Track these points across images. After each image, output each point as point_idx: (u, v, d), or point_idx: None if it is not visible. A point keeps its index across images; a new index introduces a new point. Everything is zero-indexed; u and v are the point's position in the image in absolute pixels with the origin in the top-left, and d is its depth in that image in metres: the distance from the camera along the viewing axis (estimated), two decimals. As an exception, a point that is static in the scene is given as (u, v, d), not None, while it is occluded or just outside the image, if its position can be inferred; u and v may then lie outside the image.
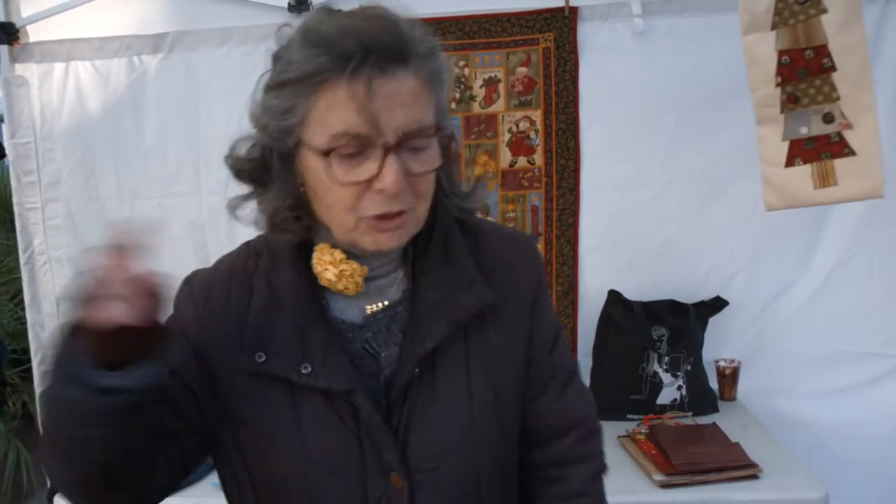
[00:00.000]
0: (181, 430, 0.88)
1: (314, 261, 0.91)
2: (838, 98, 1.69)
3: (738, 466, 1.80)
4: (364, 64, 0.77)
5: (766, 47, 1.72)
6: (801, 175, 1.74)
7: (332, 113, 0.79)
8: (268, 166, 0.88)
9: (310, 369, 0.88)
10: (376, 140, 0.80)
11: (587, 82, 2.25)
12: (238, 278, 0.94)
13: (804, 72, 1.69)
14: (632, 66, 2.22)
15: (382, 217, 0.84)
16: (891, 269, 2.23)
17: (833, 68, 1.68)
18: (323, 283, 0.91)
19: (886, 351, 2.26)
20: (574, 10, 2.20)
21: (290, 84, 0.80)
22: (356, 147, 0.80)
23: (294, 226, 0.90)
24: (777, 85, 1.72)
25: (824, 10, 1.66)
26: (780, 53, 1.71)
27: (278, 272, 0.93)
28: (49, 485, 0.86)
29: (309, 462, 0.89)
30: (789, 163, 1.75)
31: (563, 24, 2.21)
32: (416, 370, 0.91)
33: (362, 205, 0.83)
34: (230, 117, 2.18)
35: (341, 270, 0.89)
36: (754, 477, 1.78)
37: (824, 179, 1.71)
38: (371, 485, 0.89)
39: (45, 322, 2.46)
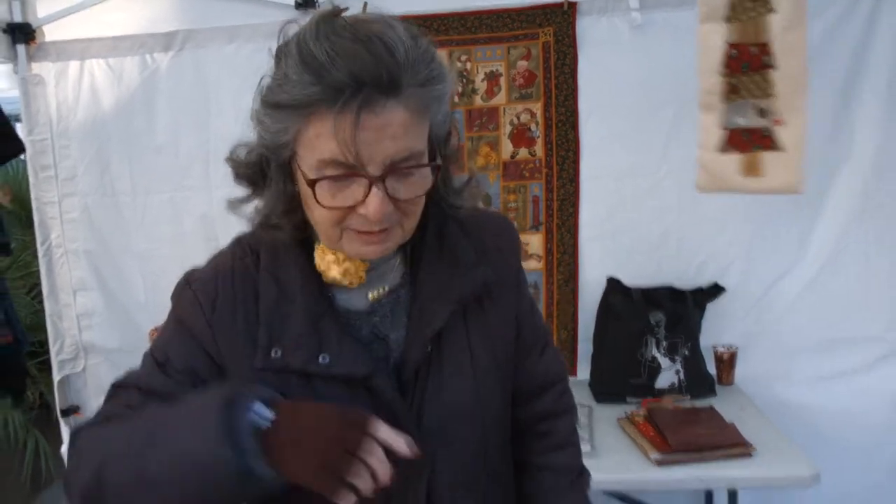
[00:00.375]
0: None
1: (317, 260, 0.94)
2: (774, 95, 1.77)
3: (732, 445, 1.85)
4: (354, 99, 0.77)
5: (718, 38, 1.81)
6: (732, 163, 1.85)
7: (320, 141, 0.80)
8: (264, 171, 0.90)
9: (328, 359, 0.91)
10: (361, 170, 0.81)
11: (586, 75, 2.30)
12: (240, 277, 0.95)
13: (747, 66, 1.77)
14: (630, 60, 2.27)
15: (367, 232, 0.87)
16: (885, 256, 2.27)
17: (772, 66, 1.75)
18: (327, 279, 0.93)
19: (882, 336, 2.31)
20: (573, 5, 2.26)
21: (283, 107, 0.81)
22: (343, 174, 0.82)
23: (288, 226, 0.93)
24: (722, 75, 1.80)
25: (772, 10, 1.73)
26: (730, 46, 1.79)
27: (284, 269, 0.95)
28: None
29: None
30: (723, 150, 1.85)
31: (563, 18, 2.26)
32: (429, 349, 0.95)
33: (346, 222, 0.86)
34: (239, 114, 2.18)
35: (345, 268, 0.92)
36: (747, 455, 1.84)
37: (752, 169, 1.81)
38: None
39: (62, 312, 2.53)
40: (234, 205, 0.95)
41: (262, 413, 0.79)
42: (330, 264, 0.92)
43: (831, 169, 2.24)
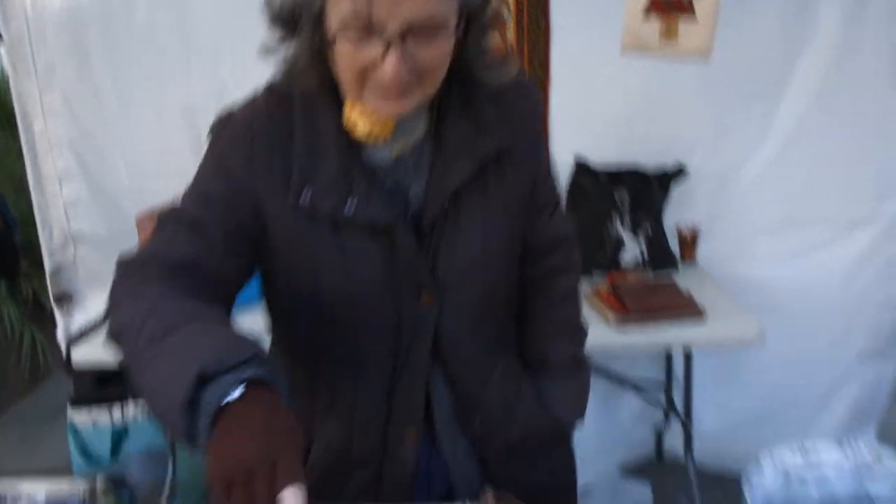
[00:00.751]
0: (235, 281, 0.99)
1: (346, 112, 0.96)
2: None
3: (685, 309, 1.99)
4: None
5: None
6: (652, 27, 2.04)
7: None
8: (296, 20, 0.91)
9: (355, 204, 0.96)
10: (379, 32, 0.83)
11: (558, -40, 2.31)
12: (276, 121, 0.99)
13: None
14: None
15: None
16: (844, 138, 2.35)
17: None
18: (356, 133, 0.96)
19: (838, 215, 2.42)
20: None
21: None
22: (363, 32, 0.84)
23: (315, 77, 0.95)
24: None
25: None
26: None
27: (317, 118, 0.98)
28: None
29: (351, 291, 1.00)
30: (646, 15, 2.03)
31: None
32: (446, 203, 1.01)
33: (367, 80, 0.89)
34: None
35: (372, 123, 0.95)
36: (700, 319, 1.98)
37: (669, 34, 2.00)
38: (405, 306, 1.03)
39: (49, 202, 2.57)
40: (266, 50, 0.97)
41: (235, 396, 0.73)
42: (358, 118, 0.95)
43: (794, 52, 2.29)
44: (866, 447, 1.00)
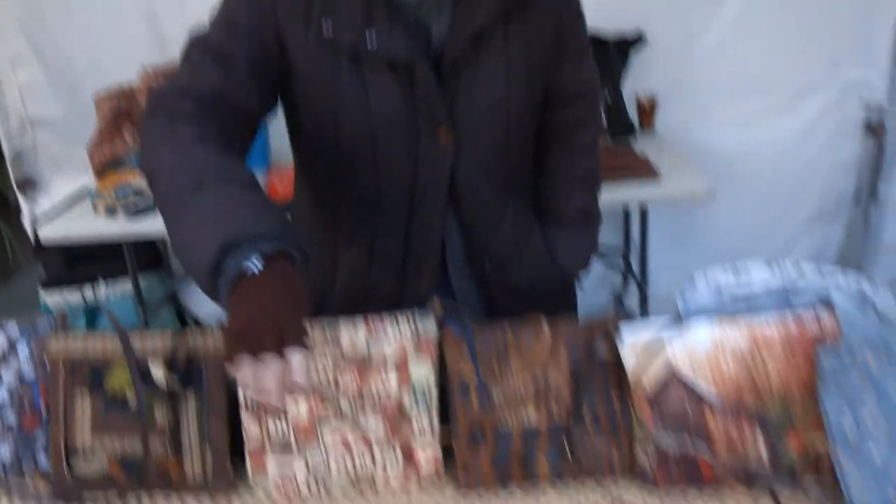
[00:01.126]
0: (259, 111, 1.00)
1: None
2: None
3: (641, 169, 2.05)
4: None
5: None
6: None
7: None
8: None
9: (374, 37, 0.97)
10: None
11: None
12: None
13: None
14: None
15: None
16: (799, 6, 2.38)
17: None
18: None
19: (791, 81, 2.47)
20: None
21: None
22: None
23: None
24: None
25: None
26: None
27: None
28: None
29: (371, 128, 1.03)
30: None
31: None
32: (467, 44, 1.01)
33: None
34: None
35: None
36: (655, 179, 2.04)
37: None
38: (422, 144, 1.05)
39: (3, 87, 2.52)
40: None
41: (255, 265, 0.75)
42: None
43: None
44: (792, 266, 1.08)
